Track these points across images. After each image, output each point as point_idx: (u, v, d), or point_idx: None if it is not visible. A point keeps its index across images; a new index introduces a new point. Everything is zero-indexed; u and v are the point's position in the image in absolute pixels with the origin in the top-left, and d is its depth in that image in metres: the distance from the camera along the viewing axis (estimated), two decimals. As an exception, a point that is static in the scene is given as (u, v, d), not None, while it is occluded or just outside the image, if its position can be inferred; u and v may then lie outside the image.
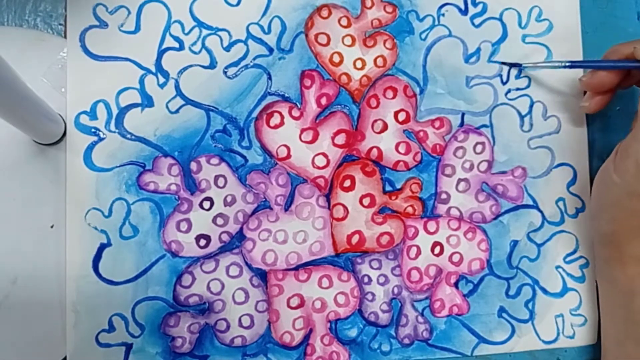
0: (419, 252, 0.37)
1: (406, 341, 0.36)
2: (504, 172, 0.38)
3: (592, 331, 0.38)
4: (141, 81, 0.34)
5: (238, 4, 0.35)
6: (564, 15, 0.39)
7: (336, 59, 0.36)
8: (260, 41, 0.36)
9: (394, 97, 0.37)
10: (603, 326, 0.36)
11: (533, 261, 0.38)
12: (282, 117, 0.36)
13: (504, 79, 0.38)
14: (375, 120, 0.37)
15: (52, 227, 0.33)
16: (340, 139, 0.36)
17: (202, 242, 0.34)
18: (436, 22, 0.37)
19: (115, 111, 0.34)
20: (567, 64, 0.35)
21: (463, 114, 0.37)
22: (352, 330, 0.36)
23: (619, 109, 0.40)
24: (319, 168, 0.36)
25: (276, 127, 0.36)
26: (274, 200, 0.35)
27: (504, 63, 0.38)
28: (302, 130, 0.36)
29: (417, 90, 0.37)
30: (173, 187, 0.34)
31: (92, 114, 0.34)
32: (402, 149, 0.37)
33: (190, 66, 0.35)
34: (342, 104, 0.36)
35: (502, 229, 0.37)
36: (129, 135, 0.34)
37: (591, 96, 0.36)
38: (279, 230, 0.35)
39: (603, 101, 0.35)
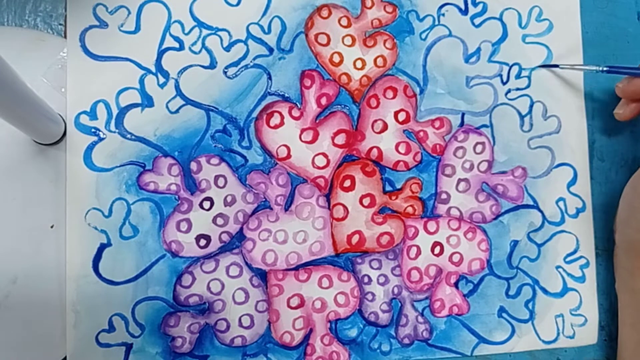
0: (419, 252, 0.37)
1: (406, 341, 0.36)
2: (504, 172, 0.38)
3: (592, 331, 0.38)
4: (141, 81, 0.34)
5: (238, 4, 0.35)
6: (564, 15, 0.39)
7: (336, 59, 0.36)
8: (260, 41, 0.36)
9: (394, 97, 0.37)
10: (621, 336, 0.36)
11: (533, 261, 0.38)
12: (282, 117, 0.36)
13: (504, 79, 0.38)
14: (375, 120, 0.37)
15: (52, 227, 0.33)
16: (340, 139, 0.36)
17: (202, 242, 0.34)
18: (436, 22, 0.37)
19: (115, 111, 0.34)
20: (605, 69, 0.35)
21: (463, 114, 0.37)
22: (352, 330, 0.36)
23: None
24: (319, 168, 0.36)
25: (276, 127, 0.36)
26: (274, 200, 0.35)
27: (542, 66, 0.37)
28: (302, 130, 0.36)
29: (417, 90, 0.37)
30: (173, 187, 0.34)
31: (92, 114, 0.34)
32: (402, 149, 0.37)
33: (190, 66, 0.35)
34: (342, 104, 0.36)
35: (502, 229, 0.37)
36: (129, 135, 0.34)
37: (626, 103, 0.35)
38: (279, 230, 0.35)
39: (638, 109, 0.35)
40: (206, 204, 0.34)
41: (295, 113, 0.36)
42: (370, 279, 0.36)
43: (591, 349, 0.38)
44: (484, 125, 0.37)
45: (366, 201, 0.36)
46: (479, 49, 0.38)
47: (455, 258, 0.37)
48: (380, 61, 0.37)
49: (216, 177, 0.35)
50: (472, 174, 0.37)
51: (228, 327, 0.34)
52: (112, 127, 0.34)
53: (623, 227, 0.35)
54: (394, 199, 0.37)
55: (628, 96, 0.34)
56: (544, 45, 0.38)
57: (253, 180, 0.35)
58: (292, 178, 0.36)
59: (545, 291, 0.38)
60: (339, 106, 0.36)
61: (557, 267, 0.38)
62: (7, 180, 0.33)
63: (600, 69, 0.35)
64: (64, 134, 0.33)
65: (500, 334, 0.37)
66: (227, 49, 0.35)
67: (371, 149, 0.36)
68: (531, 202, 0.38)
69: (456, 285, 0.37)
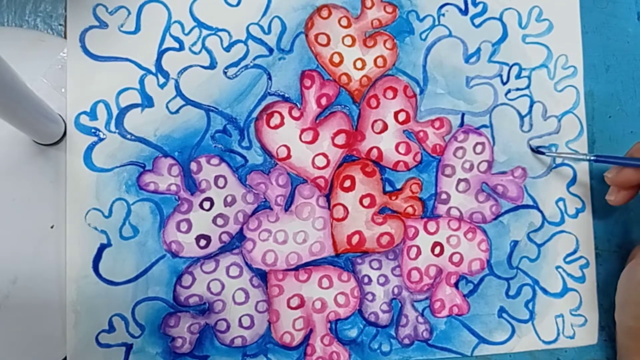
0: (419, 253, 0.37)
1: (406, 341, 0.36)
2: (504, 172, 0.38)
3: (592, 331, 0.38)
4: (141, 81, 0.34)
5: (238, 4, 0.35)
6: (564, 15, 0.39)
7: (336, 59, 0.36)
8: (260, 41, 0.36)
9: (394, 97, 0.37)
10: None
11: (533, 261, 0.38)
12: (282, 117, 0.36)
13: (504, 79, 0.38)
14: (375, 121, 0.37)
15: (52, 227, 0.33)
16: (340, 139, 0.36)
17: (202, 242, 0.34)
18: (436, 22, 0.37)
19: (115, 111, 0.34)
20: (592, 158, 0.35)
21: (463, 114, 0.37)
22: (352, 331, 0.36)
23: (619, 109, 0.40)
24: (319, 168, 0.36)
25: (276, 127, 0.36)
26: (274, 200, 0.35)
27: (531, 148, 0.38)
28: (302, 131, 0.36)
29: (417, 90, 0.37)
30: (173, 188, 0.34)
31: (92, 114, 0.34)
32: (402, 149, 0.37)
33: (190, 66, 0.35)
34: (342, 104, 0.36)
35: (502, 229, 0.37)
36: (129, 136, 0.34)
37: (617, 190, 0.35)
38: (279, 230, 0.35)
39: (629, 196, 0.35)
40: (206, 204, 0.34)
41: (295, 113, 0.36)
42: (370, 279, 0.36)
43: (591, 349, 0.38)
44: (484, 126, 0.37)
45: (366, 201, 0.36)
46: (479, 49, 0.38)
47: (455, 258, 0.37)
48: (380, 61, 0.37)
49: (216, 178, 0.35)
50: (472, 174, 0.37)
51: (228, 327, 0.34)
52: (112, 128, 0.34)
53: (619, 311, 0.35)
54: (394, 199, 0.37)
55: (617, 185, 0.35)
56: (544, 45, 0.38)
57: (253, 181, 0.35)
58: (292, 178, 0.35)
59: (545, 291, 0.38)
60: (339, 106, 0.36)
61: (557, 267, 0.38)
62: (7, 181, 0.33)
63: (588, 157, 0.35)
64: (64, 134, 0.33)
65: (501, 334, 0.37)
66: (227, 49, 0.35)
67: (371, 149, 0.36)
68: (531, 202, 0.38)
69: (456, 285, 0.37)
